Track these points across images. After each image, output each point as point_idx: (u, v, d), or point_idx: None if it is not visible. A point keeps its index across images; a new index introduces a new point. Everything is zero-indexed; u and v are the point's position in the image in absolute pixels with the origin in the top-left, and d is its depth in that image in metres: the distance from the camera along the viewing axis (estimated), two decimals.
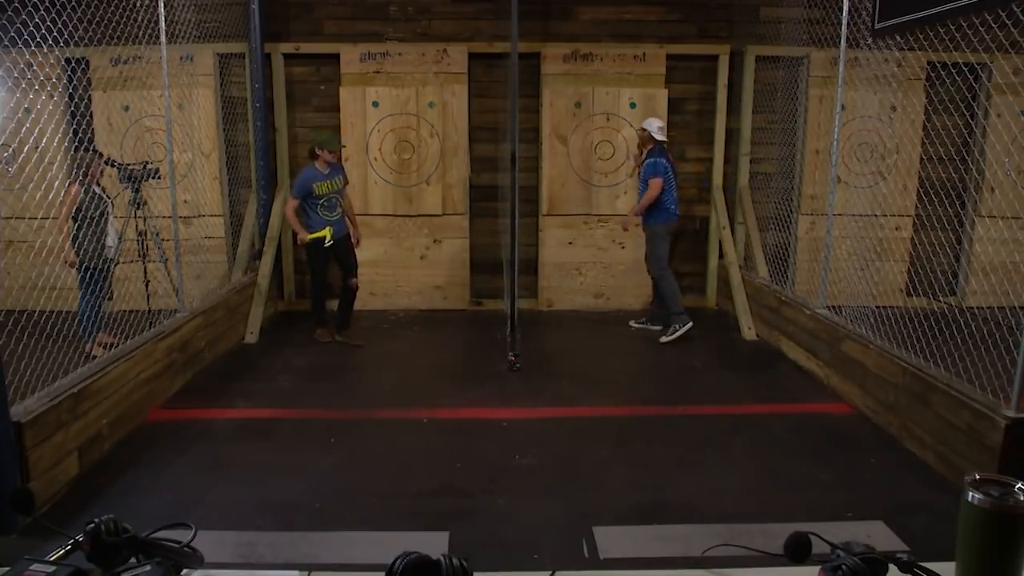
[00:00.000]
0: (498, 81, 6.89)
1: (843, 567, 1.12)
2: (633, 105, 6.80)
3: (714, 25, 6.86)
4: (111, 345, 4.49)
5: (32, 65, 4.35)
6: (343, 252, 5.74)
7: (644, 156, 6.01)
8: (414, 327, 6.55)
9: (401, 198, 6.91)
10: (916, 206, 6.83)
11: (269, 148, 6.78)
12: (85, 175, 5.13)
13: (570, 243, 7.02)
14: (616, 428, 4.31)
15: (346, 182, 5.77)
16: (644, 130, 6.01)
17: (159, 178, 5.46)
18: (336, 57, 6.74)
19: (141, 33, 5.18)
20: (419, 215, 6.94)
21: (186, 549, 1.24)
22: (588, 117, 6.83)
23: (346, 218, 5.82)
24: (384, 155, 6.84)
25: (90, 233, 5.15)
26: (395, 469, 3.76)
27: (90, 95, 6.45)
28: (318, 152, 5.51)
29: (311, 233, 5.52)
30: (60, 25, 3.96)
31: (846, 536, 1.25)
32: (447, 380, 5.18)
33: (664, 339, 5.94)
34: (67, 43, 4.31)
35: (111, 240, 5.33)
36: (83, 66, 6.45)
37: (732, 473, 3.73)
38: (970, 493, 1.14)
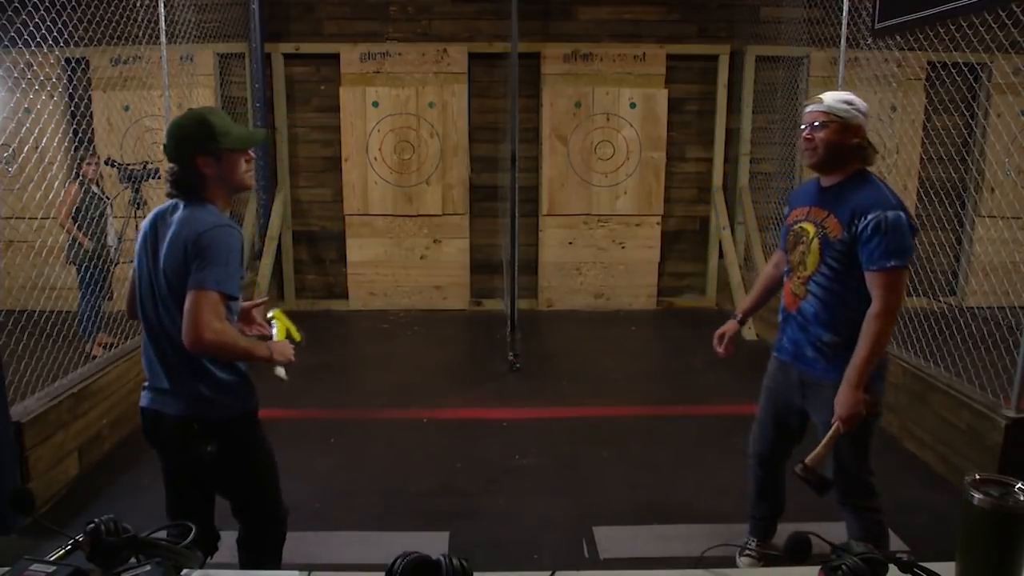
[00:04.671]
0: (498, 81, 6.89)
1: (843, 567, 1.12)
2: (633, 105, 6.80)
3: (714, 25, 6.86)
4: (111, 345, 4.49)
5: (32, 65, 4.35)
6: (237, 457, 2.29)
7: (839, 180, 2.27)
8: (414, 327, 6.55)
9: (401, 198, 6.91)
10: (916, 206, 6.82)
11: (269, 148, 6.78)
12: (79, 173, 5.17)
13: (570, 243, 7.02)
14: (616, 428, 4.31)
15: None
16: (842, 118, 2.19)
17: (159, 178, 5.46)
18: (336, 57, 6.74)
19: (141, 33, 5.17)
20: (419, 215, 6.93)
21: (186, 549, 1.24)
22: (588, 117, 6.83)
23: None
24: (384, 155, 6.84)
25: (89, 233, 5.17)
26: (395, 469, 3.76)
27: (90, 95, 6.45)
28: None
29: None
30: (60, 25, 3.96)
31: (846, 536, 1.25)
32: (447, 380, 5.18)
33: None
34: (67, 43, 4.31)
35: (111, 240, 5.35)
36: (83, 66, 6.46)
37: (732, 473, 3.71)
38: (970, 493, 1.15)
